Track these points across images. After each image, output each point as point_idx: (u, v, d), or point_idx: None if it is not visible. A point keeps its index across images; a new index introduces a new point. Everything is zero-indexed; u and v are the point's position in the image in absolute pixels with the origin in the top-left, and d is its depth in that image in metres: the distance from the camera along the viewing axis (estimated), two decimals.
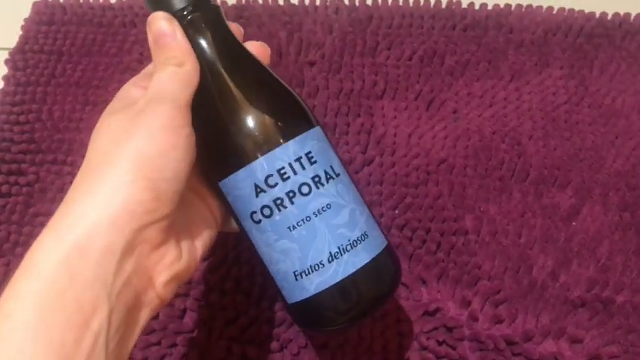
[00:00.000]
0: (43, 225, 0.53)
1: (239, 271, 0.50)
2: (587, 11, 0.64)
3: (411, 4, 0.65)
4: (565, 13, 0.64)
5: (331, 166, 0.34)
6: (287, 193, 0.33)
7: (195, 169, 0.33)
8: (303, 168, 0.33)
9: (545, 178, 0.54)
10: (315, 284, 0.33)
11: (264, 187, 0.32)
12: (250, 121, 0.33)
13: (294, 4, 0.66)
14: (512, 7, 0.65)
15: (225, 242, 0.51)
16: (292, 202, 0.33)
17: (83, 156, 0.59)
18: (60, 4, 0.67)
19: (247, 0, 0.67)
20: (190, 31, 0.33)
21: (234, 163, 0.33)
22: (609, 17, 0.64)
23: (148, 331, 0.47)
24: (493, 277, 0.49)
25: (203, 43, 0.34)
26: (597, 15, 0.64)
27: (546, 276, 0.49)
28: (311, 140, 0.34)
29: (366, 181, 0.54)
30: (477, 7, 0.65)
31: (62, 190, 0.55)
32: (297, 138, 0.33)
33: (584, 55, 0.61)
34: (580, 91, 0.59)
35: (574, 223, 0.52)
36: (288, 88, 0.36)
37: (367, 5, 0.66)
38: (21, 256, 0.52)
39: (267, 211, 0.33)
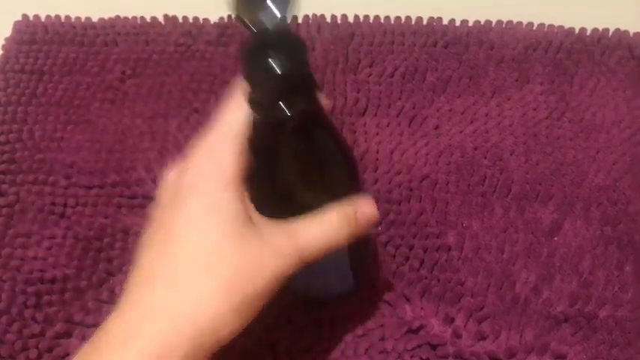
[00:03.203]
0: (23, 246, 0.53)
1: None
2: (566, 27, 0.65)
3: (392, 22, 0.66)
4: (545, 29, 0.65)
5: None
6: None
7: None
8: None
9: (527, 193, 0.54)
10: None
11: None
12: None
13: None
14: (493, 24, 0.65)
15: None
16: None
17: (65, 176, 0.58)
18: (41, 23, 0.67)
19: (230, 18, 0.67)
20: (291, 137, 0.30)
21: None
22: (588, 33, 0.64)
23: None
24: (476, 293, 0.49)
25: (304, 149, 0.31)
26: (577, 31, 0.64)
27: (529, 291, 0.49)
28: None
29: None
30: (457, 23, 0.65)
31: (42, 211, 0.55)
32: None
33: (565, 71, 0.62)
34: (561, 107, 0.59)
35: (556, 238, 0.52)
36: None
37: (349, 22, 0.66)
38: None
39: None
